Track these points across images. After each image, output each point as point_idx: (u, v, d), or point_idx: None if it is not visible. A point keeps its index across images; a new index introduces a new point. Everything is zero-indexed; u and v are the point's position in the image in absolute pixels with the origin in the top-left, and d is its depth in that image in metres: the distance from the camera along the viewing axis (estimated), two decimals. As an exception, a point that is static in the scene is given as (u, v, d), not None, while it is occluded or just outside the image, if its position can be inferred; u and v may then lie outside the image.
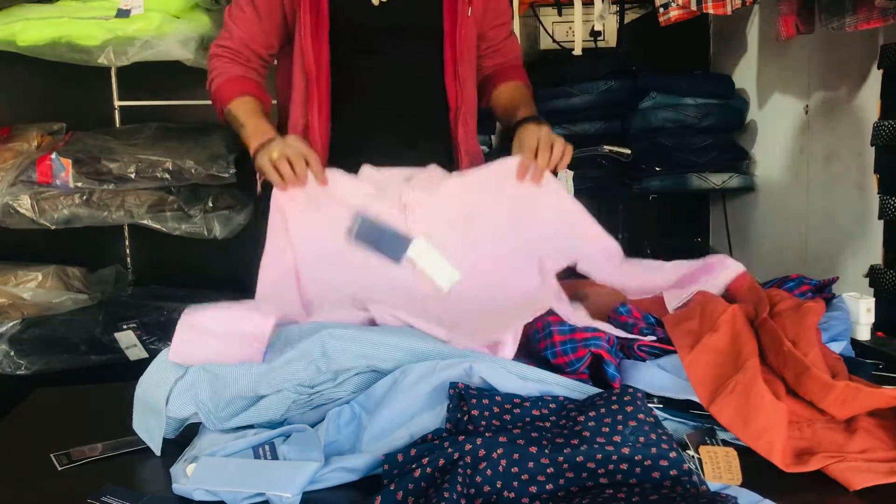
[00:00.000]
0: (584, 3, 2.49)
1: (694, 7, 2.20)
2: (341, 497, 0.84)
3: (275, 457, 0.87)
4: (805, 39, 2.16)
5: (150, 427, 0.96)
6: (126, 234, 2.62)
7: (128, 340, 2.24)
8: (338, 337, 0.97)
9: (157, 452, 0.95)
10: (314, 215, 1.30)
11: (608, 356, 1.01)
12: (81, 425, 1.05)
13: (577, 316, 1.08)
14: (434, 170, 1.41)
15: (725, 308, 1.05)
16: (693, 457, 0.87)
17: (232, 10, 1.53)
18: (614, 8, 2.67)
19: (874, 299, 1.28)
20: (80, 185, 2.20)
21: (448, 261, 1.29)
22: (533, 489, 0.78)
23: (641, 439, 0.82)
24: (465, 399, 0.89)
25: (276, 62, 1.61)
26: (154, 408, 0.95)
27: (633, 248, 2.88)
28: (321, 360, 0.96)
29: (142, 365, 1.00)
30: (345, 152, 1.46)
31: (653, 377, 1.00)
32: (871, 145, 1.92)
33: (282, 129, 1.53)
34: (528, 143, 1.34)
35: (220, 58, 1.51)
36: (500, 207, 1.34)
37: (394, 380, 0.95)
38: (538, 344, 1.04)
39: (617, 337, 1.06)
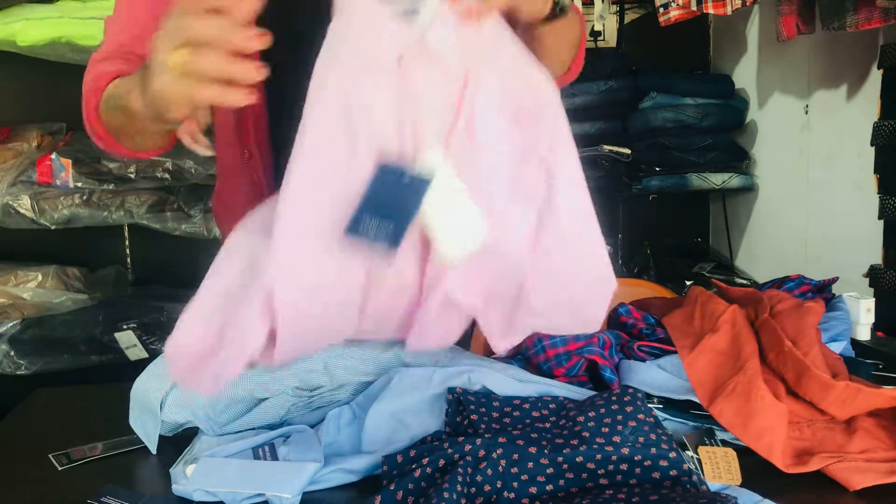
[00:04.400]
0: (584, 3, 2.49)
1: (694, 7, 2.20)
2: (341, 497, 0.84)
3: (275, 457, 0.87)
4: (805, 39, 2.16)
5: (146, 425, 0.96)
6: (126, 234, 2.63)
7: (128, 340, 2.24)
8: (339, 355, 0.97)
9: (153, 451, 0.95)
10: None
11: (602, 360, 1.01)
12: (81, 425, 1.05)
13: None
14: None
15: (725, 308, 1.05)
16: (692, 457, 0.87)
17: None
18: (614, 8, 2.67)
19: (874, 299, 1.28)
20: (80, 185, 2.21)
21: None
22: (533, 489, 0.78)
23: (641, 439, 0.82)
24: (463, 404, 0.90)
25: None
26: (150, 410, 0.95)
27: (634, 248, 2.92)
28: (322, 374, 0.96)
29: (142, 365, 1.00)
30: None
31: (653, 377, 1.01)
32: (871, 145, 1.92)
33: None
34: None
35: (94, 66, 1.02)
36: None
37: (388, 379, 0.95)
38: (533, 359, 1.05)
39: (615, 339, 1.06)
